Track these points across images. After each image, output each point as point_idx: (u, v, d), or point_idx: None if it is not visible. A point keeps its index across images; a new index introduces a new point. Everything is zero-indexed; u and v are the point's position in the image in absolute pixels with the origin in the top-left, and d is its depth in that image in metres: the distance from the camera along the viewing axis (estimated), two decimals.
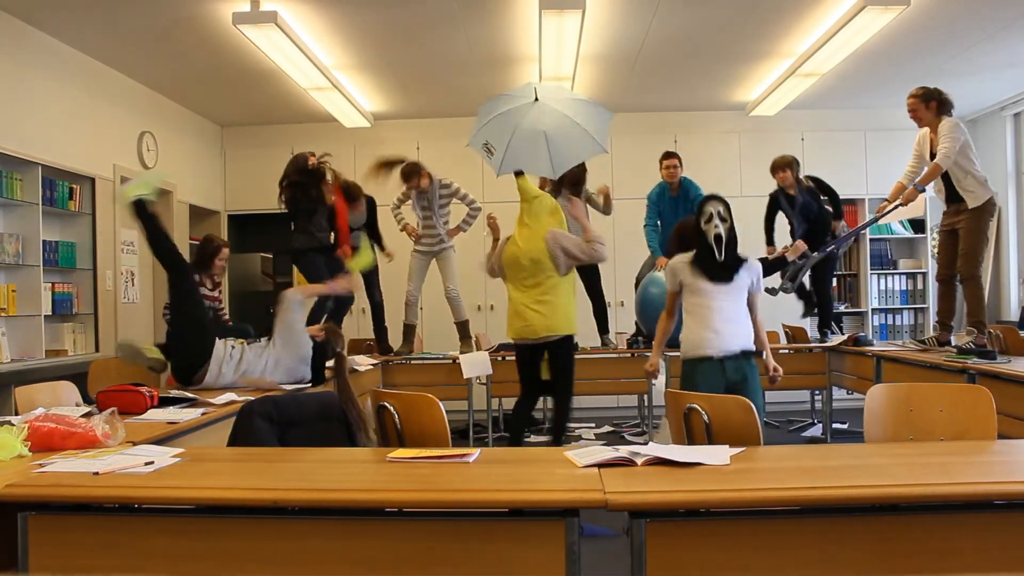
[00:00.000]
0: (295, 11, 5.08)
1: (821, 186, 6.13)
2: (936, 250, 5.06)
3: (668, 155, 6.23)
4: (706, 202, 3.73)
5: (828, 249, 5.84)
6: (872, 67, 6.45)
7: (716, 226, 3.64)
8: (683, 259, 3.76)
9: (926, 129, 4.79)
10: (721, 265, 3.64)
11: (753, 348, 3.67)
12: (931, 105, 4.67)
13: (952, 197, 4.75)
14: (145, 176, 4.19)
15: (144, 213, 3.95)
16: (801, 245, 5.70)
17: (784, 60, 6.33)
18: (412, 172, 5.78)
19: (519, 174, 4.59)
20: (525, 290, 4.49)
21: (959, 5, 5.17)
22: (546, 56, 5.76)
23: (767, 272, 5.59)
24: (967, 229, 4.65)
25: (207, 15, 5.07)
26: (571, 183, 5.65)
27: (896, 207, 4.97)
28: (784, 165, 5.95)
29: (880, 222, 5.93)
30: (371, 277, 6.03)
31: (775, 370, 3.74)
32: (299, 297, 4.32)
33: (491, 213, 4.89)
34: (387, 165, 5.78)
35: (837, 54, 5.85)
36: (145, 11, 5.00)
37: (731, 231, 3.67)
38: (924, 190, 4.78)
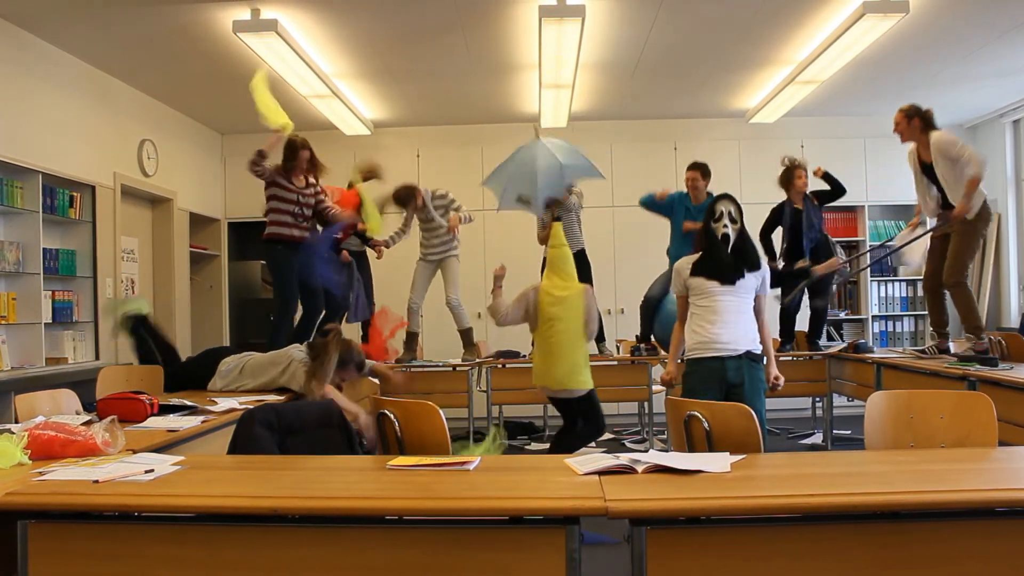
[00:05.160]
0: (295, 19, 5.10)
1: (821, 196, 5.97)
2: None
3: (691, 166, 6.02)
4: (717, 201, 3.68)
5: (858, 269, 5.71)
6: (871, 74, 6.47)
7: (725, 226, 3.60)
8: (688, 260, 3.73)
9: (914, 144, 4.80)
10: (726, 265, 3.60)
11: (758, 350, 3.63)
12: (913, 122, 4.69)
13: (947, 205, 4.74)
14: (128, 304, 4.69)
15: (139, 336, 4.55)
16: (835, 262, 5.58)
17: (783, 67, 6.34)
18: (408, 196, 5.77)
19: (557, 219, 4.60)
20: None
21: (958, 12, 5.19)
22: (546, 63, 5.77)
23: (777, 283, 5.57)
24: (959, 232, 4.62)
25: (208, 23, 5.09)
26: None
27: (927, 232, 4.91)
28: (797, 171, 5.83)
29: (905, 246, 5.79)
30: (365, 290, 6.03)
31: (776, 379, 3.71)
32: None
33: None
34: (370, 177, 5.77)
35: (836, 61, 5.86)
36: (146, 19, 5.02)
37: (740, 233, 3.63)
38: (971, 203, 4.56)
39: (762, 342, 3.66)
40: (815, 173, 5.83)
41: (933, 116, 4.70)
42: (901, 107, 4.76)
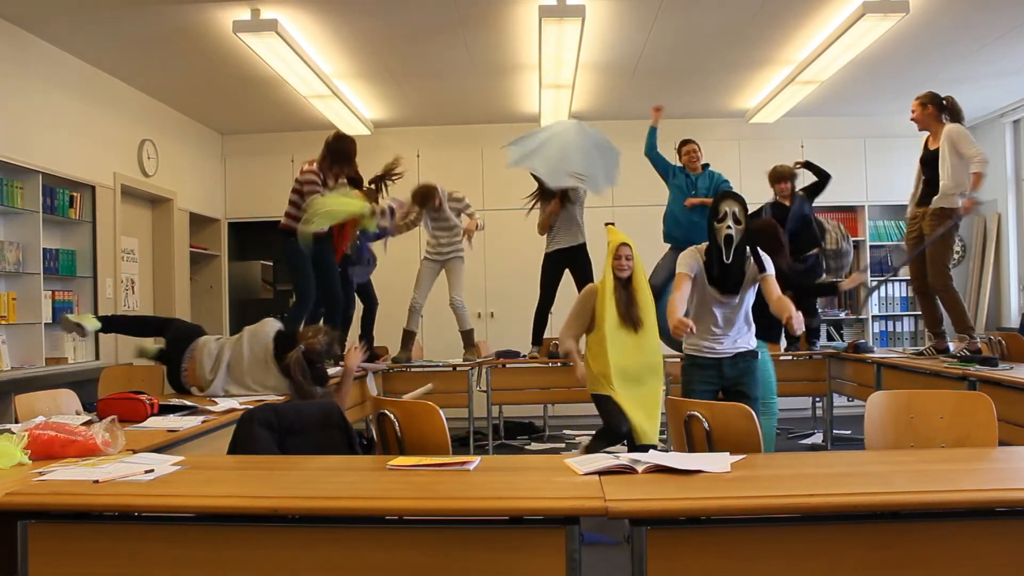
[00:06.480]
0: (295, 19, 5.10)
1: (810, 189, 6.08)
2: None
3: (685, 141, 6.14)
4: (722, 200, 3.59)
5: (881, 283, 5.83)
6: (871, 74, 6.47)
7: (728, 227, 3.52)
8: (700, 249, 3.66)
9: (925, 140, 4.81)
10: (727, 274, 3.55)
11: (753, 347, 3.65)
12: (927, 109, 4.70)
13: (924, 199, 4.74)
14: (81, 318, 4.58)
15: (109, 323, 4.58)
16: (859, 276, 5.63)
17: (783, 67, 6.34)
18: (429, 196, 5.75)
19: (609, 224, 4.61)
20: None
21: (958, 13, 5.19)
22: (546, 64, 5.77)
23: (812, 294, 5.64)
24: (932, 229, 4.62)
25: (208, 23, 5.08)
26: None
27: (943, 231, 4.70)
28: (785, 176, 5.90)
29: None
30: (365, 282, 6.01)
31: (789, 319, 3.29)
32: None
33: None
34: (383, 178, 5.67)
35: (836, 61, 5.86)
36: (146, 19, 5.01)
37: (743, 234, 3.54)
38: (978, 199, 4.59)
39: (777, 309, 3.40)
40: (794, 166, 6.00)
41: (953, 105, 4.66)
42: (918, 95, 4.77)
